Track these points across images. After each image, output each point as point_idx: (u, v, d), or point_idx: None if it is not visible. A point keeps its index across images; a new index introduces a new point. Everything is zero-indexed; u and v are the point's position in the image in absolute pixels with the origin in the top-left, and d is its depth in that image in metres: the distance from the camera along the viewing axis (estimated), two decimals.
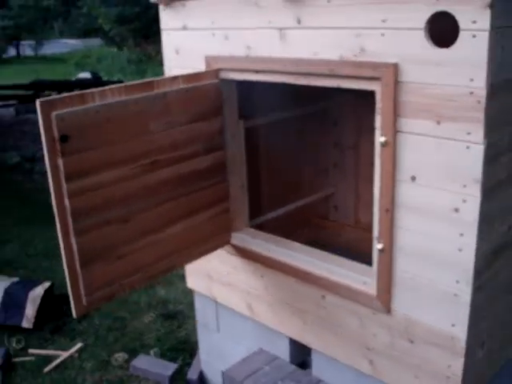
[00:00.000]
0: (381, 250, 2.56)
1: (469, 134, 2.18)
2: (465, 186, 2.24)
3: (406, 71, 2.29)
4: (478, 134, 2.15)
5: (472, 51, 2.08)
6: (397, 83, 2.32)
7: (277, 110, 3.74)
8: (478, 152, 2.17)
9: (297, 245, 3.16)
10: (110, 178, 2.59)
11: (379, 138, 2.43)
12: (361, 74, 2.42)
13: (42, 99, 2.35)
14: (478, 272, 2.34)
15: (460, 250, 2.32)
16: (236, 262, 3.37)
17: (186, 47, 3.19)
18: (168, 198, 2.87)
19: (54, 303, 4.51)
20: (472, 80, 2.11)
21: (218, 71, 3.00)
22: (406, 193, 2.44)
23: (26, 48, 28.79)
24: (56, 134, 2.37)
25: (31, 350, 4.03)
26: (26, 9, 25.54)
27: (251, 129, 3.72)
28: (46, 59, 25.08)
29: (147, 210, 2.78)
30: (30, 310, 4.24)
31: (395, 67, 2.30)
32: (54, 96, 2.45)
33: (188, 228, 3.00)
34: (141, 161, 2.70)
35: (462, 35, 2.10)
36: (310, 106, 3.88)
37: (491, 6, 2.01)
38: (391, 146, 2.41)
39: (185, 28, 3.15)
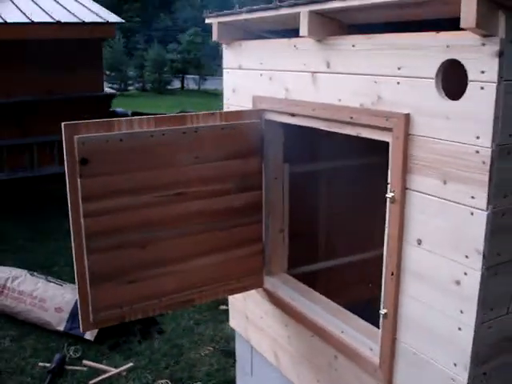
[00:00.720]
0: (384, 316, 2.33)
1: (473, 198, 1.92)
2: (467, 256, 1.97)
3: (418, 123, 2.10)
4: (482, 198, 1.89)
5: (479, 105, 1.85)
6: (407, 136, 2.14)
7: (339, 158, 3.61)
8: (481, 219, 1.90)
9: (319, 297, 2.99)
10: (128, 204, 2.67)
11: (388, 194, 2.24)
12: (376, 124, 2.27)
13: (67, 122, 2.52)
14: (480, 359, 2.02)
15: (460, 329, 2.03)
16: (267, 307, 3.26)
17: (241, 86, 3.23)
18: (194, 231, 2.88)
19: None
20: (478, 138, 1.87)
21: (260, 111, 2.99)
22: (412, 257, 2.20)
23: (190, 81, 30.84)
24: (76, 157, 2.51)
25: (85, 362, 4.23)
26: (194, 45, 27.65)
27: (310, 175, 3.64)
28: (206, 93, 26.73)
29: (168, 239, 2.81)
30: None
31: (407, 118, 2.12)
32: (83, 121, 2.61)
33: (214, 264, 2.98)
34: (165, 191, 2.75)
35: (470, 87, 1.88)
36: (374, 156, 3.68)
37: (500, 55, 1.78)
38: (399, 204, 2.20)
39: (240, 67, 3.20)
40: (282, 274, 3.28)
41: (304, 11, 2.45)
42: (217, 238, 2.96)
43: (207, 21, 3.26)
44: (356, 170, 3.69)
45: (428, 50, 2.01)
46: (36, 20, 7.56)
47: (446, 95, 1.99)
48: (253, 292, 3.32)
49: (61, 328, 4.48)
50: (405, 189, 2.18)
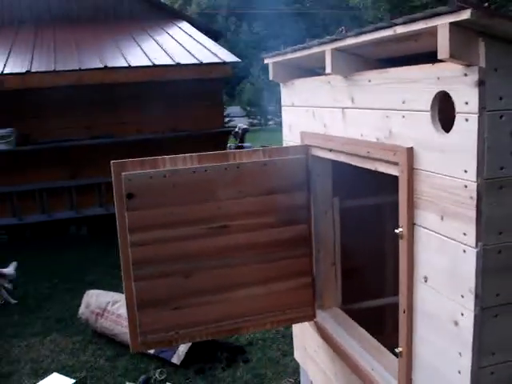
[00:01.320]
0: (400, 355, 2.26)
1: (465, 234, 1.84)
2: (462, 296, 1.88)
3: (421, 157, 2.06)
4: (472, 235, 1.80)
5: (465, 137, 1.79)
6: (411, 170, 2.09)
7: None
8: (471, 257, 1.81)
9: (363, 333, 2.93)
10: (172, 236, 2.87)
11: (397, 229, 2.20)
12: (387, 158, 2.25)
13: (115, 161, 2.80)
14: None
15: (459, 372, 1.92)
16: (319, 340, 3.26)
17: (294, 123, 3.33)
18: (237, 263, 3.01)
19: (208, 347, 4.90)
20: (466, 171, 1.80)
21: (304, 147, 3.06)
22: (420, 295, 2.13)
23: None
24: (123, 191, 2.78)
25: None
26: None
27: (374, 209, 3.59)
28: None
29: (211, 269, 2.96)
30: (183, 347, 4.70)
31: (410, 152, 2.09)
32: (130, 159, 2.87)
33: (260, 295, 3.07)
34: (207, 224, 2.92)
35: (457, 119, 1.83)
36: None
37: (480, 84, 1.72)
38: (407, 240, 2.15)
39: (293, 105, 3.30)
40: (334, 309, 3.26)
41: (328, 49, 2.51)
42: (262, 269, 3.05)
43: (265, 61, 3.42)
44: None
45: (423, 83, 1.98)
46: (158, 63, 8.27)
47: (443, 128, 1.94)
48: (308, 325, 3.34)
49: (151, 351, 4.79)
50: (412, 224, 2.13)
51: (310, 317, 3.22)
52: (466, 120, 1.77)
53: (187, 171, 2.86)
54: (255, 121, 28.95)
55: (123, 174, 2.77)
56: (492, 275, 1.81)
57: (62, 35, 9.66)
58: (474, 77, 1.73)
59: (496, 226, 1.79)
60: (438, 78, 1.90)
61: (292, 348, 5.05)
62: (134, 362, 4.85)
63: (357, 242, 3.41)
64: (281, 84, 3.45)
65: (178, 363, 4.73)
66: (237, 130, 22.83)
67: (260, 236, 3.02)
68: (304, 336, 3.49)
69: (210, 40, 9.83)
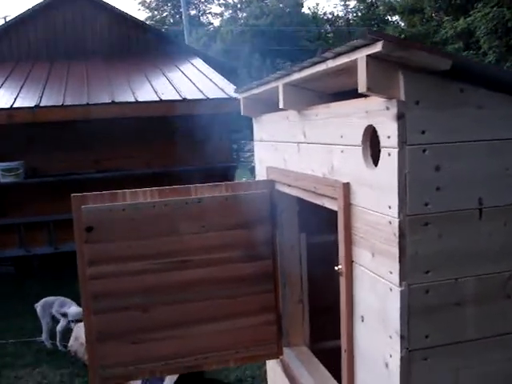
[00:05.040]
0: None
1: (391, 273, 1.78)
2: (391, 337, 1.80)
3: (355, 192, 2.01)
4: (396, 274, 1.74)
5: (389, 172, 1.75)
6: (348, 205, 2.05)
7: None
8: (396, 297, 1.75)
9: (325, 375, 2.84)
10: (130, 270, 2.84)
11: (337, 266, 2.14)
12: (328, 194, 2.21)
13: (75, 194, 2.81)
14: None
15: None
16: (285, 380, 3.17)
17: (262, 157, 3.31)
18: (198, 298, 2.96)
19: (195, 382, 4.80)
20: (390, 207, 1.76)
21: (268, 181, 3.03)
22: (359, 335, 2.06)
23: None
24: (83, 224, 2.78)
25: None
26: None
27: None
28: None
29: (171, 304, 2.92)
30: (167, 380, 4.62)
31: (346, 187, 2.05)
32: (91, 193, 2.87)
33: (223, 331, 3.01)
34: (167, 258, 2.89)
35: (381, 153, 1.79)
36: None
37: (399, 118, 1.68)
38: (345, 277, 2.09)
39: (261, 140, 3.29)
40: (301, 347, 3.18)
41: (280, 84, 2.50)
42: (225, 305, 2.99)
43: (238, 96, 3.43)
44: None
45: (355, 117, 1.96)
46: (164, 98, 8.39)
47: (374, 163, 1.90)
48: (277, 364, 3.25)
49: (137, 382, 4.72)
50: (351, 262, 2.07)
51: (275, 354, 3.14)
52: (389, 154, 1.73)
53: (147, 205, 2.85)
54: None
55: (83, 207, 2.77)
56: (419, 316, 1.74)
57: (74, 71, 9.90)
58: (394, 110, 1.69)
59: (422, 264, 1.73)
60: (367, 112, 1.87)
61: None
62: None
63: (325, 279, 3.33)
64: (253, 119, 3.45)
65: None
66: (253, 164, 22.87)
67: (223, 271, 2.97)
68: (275, 374, 3.39)
69: (220, 76, 9.95)
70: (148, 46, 11.30)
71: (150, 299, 2.88)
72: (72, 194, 2.80)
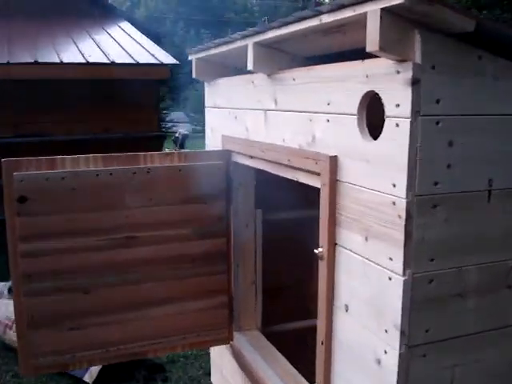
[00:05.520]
0: None
1: (391, 259, 1.58)
2: (386, 331, 1.61)
3: (345, 168, 1.79)
4: (399, 261, 1.54)
5: (395, 146, 1.53)
6: (334, 182, 1.82)
7: None
8: (398, 287, 1.55)
9: (279, 359, 2.65)
10: (70, 246, 2.49)
11: (316, 249, 1.92)
12: (308, 168, 1.97)
13: (6, 159, 2.41)
14: None
15: None
16: (235, 365, 2.95)
17: (216, 126, 3.03)
18: (145, 279, 2.66)
19: (124, 364, 4.50)
20: (394, 186, 1.54)
21: (225, 152, 2.76)
22: (340, 325, 1.86)
23: None
24: (15, 194, 2.39)
25: None
26: None
27: (301, 223, 3.32)
28: None
29: (115, 285, 2.60)
30: (96, 366, 4.30)
31: (333, 161, 1.82)
32: (25, 158, 2.49)
33: (169, 315, 2.73)
34: (111, 234, 2.56)
35: (386, 124, 1.57)
36: None
37: (413, 83, 1.46)
38: (327, 262, 1.88)
39: (215, 106, 3.00)
40: (252, 331, 2.97)
41: (250, 43, 2.22)
42: (173, 287, 2.72)
43: (189, 57, 3.11)
44: None
45: (350, 82, 1.72)
46: (92, 61, 7.83)
47: (371, 134, 1.68)
48: (225, 347, 3.03)
49: None
50: (334, 244, 1.86)
51: (226, 339, 2.91)
52: (397, 125, 1.51)
53: (90, 174, 2.50)
54: (198, 127, 28.54)
55: (15, 173, 2.39)
56: (421, 308, 1.56)
57: None
58: (407, 74, 1.47)
59: (427, 251, 1.54)
60: (367, 76, 1.64)
61: None
62: (43, 380, 4.40)
63: (281, 258, 3.13)
64: (205, 83, 3.15)
65: (90, 382, 4.31)
66: (177, 135, 22.31)
67: (172, 250, 2.69)
68: (221, 359, 3.17)
69: (150, 41, 9.44)
70: (74, 7, 10.53)
71: (90, 280, 2.55)
72: (3, 159, 2.40)
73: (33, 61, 7.67)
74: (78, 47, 8.60)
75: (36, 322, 2.49)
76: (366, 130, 1.69)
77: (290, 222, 3.18)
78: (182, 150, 2.63)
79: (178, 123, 26.96)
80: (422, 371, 1.59)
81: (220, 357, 3.23)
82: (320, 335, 1.93)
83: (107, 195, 2.54)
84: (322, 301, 1.90)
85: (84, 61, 7.91)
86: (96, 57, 8.14)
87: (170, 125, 24.69)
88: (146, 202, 2.60)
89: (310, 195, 3.21)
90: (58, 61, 7.74)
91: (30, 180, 2.41)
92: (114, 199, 2.55)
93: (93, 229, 2.52)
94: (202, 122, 29.71)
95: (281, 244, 3.14)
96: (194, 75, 3.06)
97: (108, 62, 7.99)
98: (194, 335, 2.81)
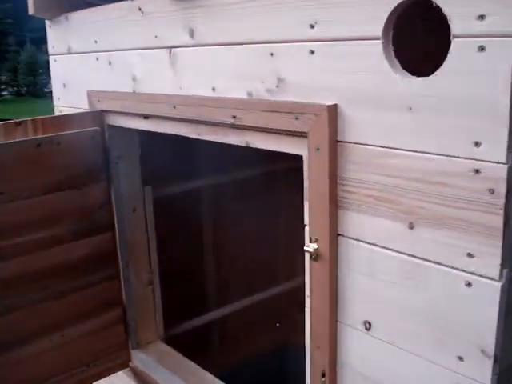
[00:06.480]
0: None
1: (470, 256, 1.04)
2: (461, 358, 1.09)
3: (353, 122, 1.18)
4: (491, 257, 1.01)
5: (477, 81, 0.96)
6: (335, 144, 1.22)
7: (227, 171, 2.66)
8: (487, 294, 1.02)
9: (188, 366, 2.08)
10: None
11: (306, 246, 1.32)
12: (276, 127, 1.33)
13: None
14: None
15: None
16: None
17: (72, 79, 2.19)
18: (12, 306, 1.83)
19: None
20: (477, 144, 0.98)
21: (98, 114, 1.97)
22: (356, 349, 1.29)
23: None
24: None
25: None
26: None
27: (190, 196, 2.65)
28: None
29: None
30: None
31: (332, 113, 1.20)
32: None
33: (48, 350, 1.94)
34: None
35: (454, 47, 0.99)
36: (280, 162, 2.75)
37: None
38: (327, 262, 1.28)
39: (69, 51, 2.15)
40: (155, 344, 2.29)
41: None
42: (47, 312, 1.92)
43: None
44: (250, 184, 2.76)
45: None
46: None
47: (405, 69, 1.09)
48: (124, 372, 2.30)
49: None
50: (336, 235, 1.27)
51: (124, 364, 2.19)
52: (482, 49, 0.95)
53: None
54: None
55: None
56: (510, 322, 1.06)
57: None
58: None
59: None
60: None
61: None
62: None
63: (174, 243, 2.47)
64: (46, 22, 2.25)
65: None
66: None
67: (41, 260, 1.87)
68: None
69: None
70: None
71: None
72: None
73: None
74: None
75: None
76: (397, 63, 1.09)
77: (182, 197, 2.50)
78: (38, 117, 1.88)
79: None
80: None
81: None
82: (317, 365, 1.35)
83: None
84: (320, 317, 1.31)
85: None
86: None
87: None
88: None
89: (199, 161, 2.58)
90: None
91: None
92: None
93: None
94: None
95: (173, 225, 2.46)
96: (31, 11, 2.14)
97: None
98: (84, 368, 2.05)
